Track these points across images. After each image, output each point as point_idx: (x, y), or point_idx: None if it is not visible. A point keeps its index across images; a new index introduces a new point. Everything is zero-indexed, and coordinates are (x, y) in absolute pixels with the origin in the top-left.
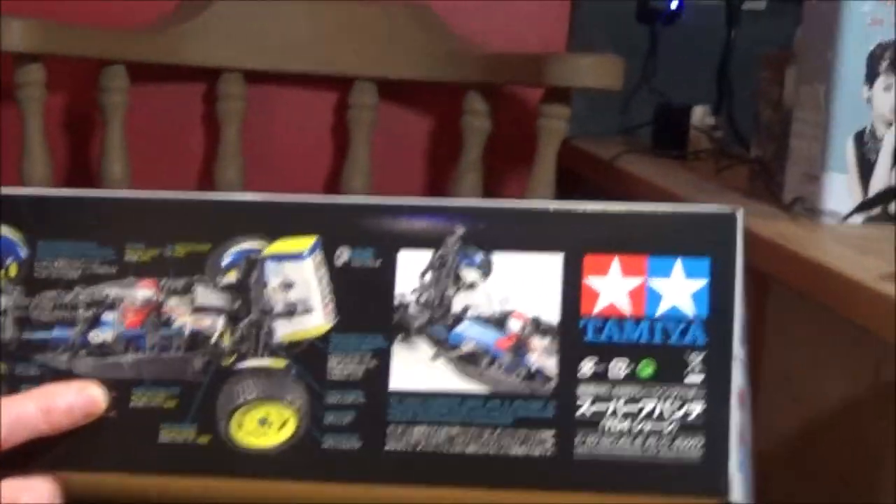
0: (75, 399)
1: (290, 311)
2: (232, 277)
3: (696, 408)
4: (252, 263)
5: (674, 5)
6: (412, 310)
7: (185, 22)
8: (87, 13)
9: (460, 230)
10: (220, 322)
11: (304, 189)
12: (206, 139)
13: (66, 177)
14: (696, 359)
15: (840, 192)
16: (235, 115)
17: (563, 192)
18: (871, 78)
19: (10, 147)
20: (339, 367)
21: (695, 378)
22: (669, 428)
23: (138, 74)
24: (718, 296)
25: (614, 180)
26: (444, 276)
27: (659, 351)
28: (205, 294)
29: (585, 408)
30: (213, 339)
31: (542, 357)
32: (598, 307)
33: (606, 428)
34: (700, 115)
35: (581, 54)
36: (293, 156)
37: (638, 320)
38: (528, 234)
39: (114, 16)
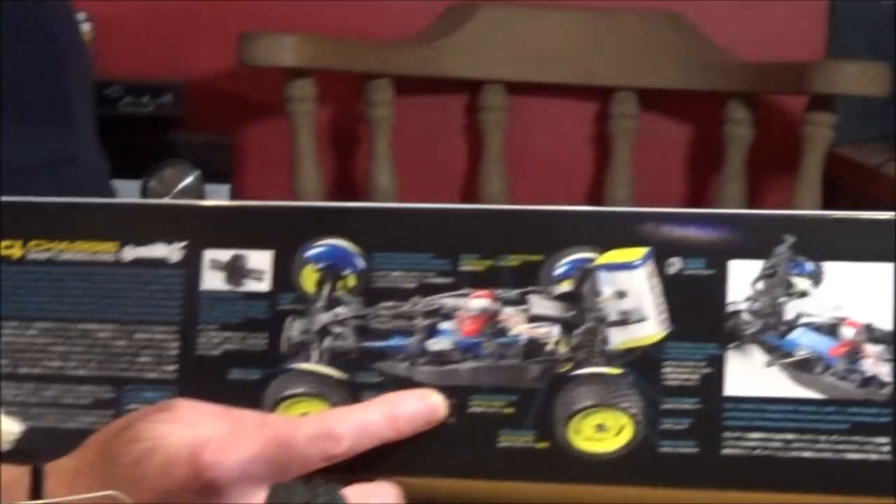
0: (418, 406)
1: (624, 320)
2: (566, 287)
3: None
4: (585, 273)
5: None
6: (745, 318)
7: (447, 35)
8: (351, 28)
9: (790, 239)
10: (556, 330)
11: (565, 200)
12: (468, 150)
13: (333, 189)
14: None
15: None
16: (497, 127)
17: (826, 201)
18: None
19: (279, 160)
20: (674, 373)
21: None
22: None
23: (402, 87)
24: None
25: (881, 187)
26: (776, 284)
27: None
28: (540, 303)
29: None
30: (549, 347)
31: (876, 364)
32: None
33: None
34: None
35: (846, 61)
36: (554, 167)
37: None
38: (856, 242)
39: (377, 30)
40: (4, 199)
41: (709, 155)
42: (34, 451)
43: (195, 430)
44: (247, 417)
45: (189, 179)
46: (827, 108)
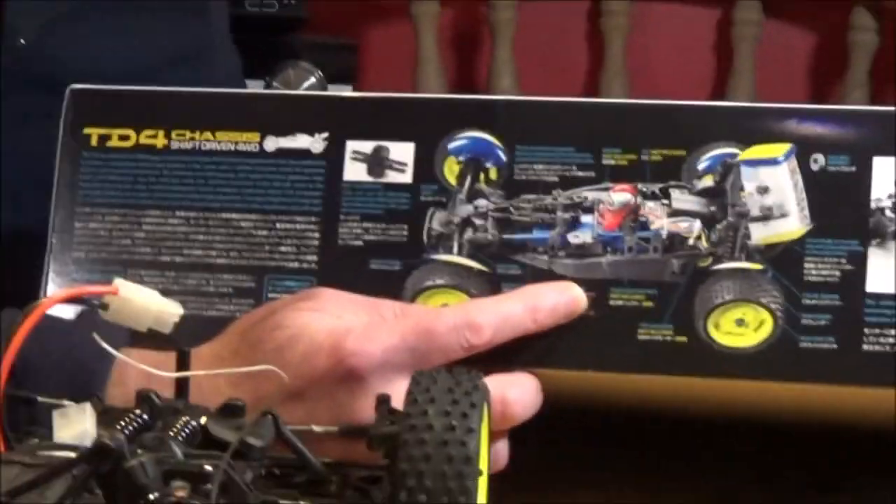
0: (559, 299)
1: (766, 216)
2: (708, 182)
3: None
4: (728, 168)
5: None
6: (888, 215)
7: None
8: None
9: None
10: (697, 225)
11: None
12: (590, 56)
13: (454, 92)
14: None
15: None
16: (620, 32)
17: None
18: None
19: (402, 62)
20: (816, 269)
21: None
22: None
23: None
24: None
25: None
26: None
27: None
28: (681, 198)
29: None
30: (690, 242)
31: None
32: None
33: None
34: None
35: None
36: (675, 73)
37: None
38: None
39: None
40: (148, 89)
41: (832, 63)
42: (178, 336)
43: (337, 319)
44: (388, 307)
45: (311, 80)
46: None
